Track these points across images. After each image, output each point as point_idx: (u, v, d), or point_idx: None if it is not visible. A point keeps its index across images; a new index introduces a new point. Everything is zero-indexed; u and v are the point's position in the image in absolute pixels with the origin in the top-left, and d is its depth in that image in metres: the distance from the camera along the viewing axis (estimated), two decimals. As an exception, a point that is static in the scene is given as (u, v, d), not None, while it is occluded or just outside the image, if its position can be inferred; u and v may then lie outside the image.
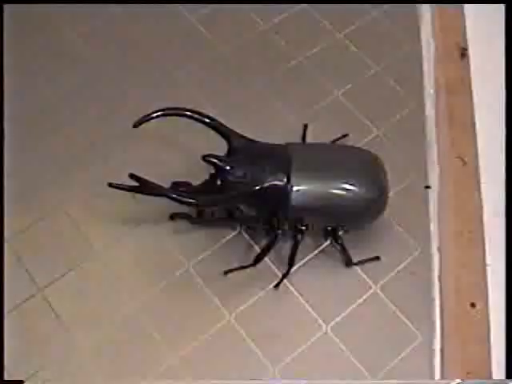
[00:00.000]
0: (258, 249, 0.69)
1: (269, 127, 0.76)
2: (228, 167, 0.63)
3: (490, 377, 0.63)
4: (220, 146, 0.66)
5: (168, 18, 0.86)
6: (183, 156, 0.75)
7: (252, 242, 0.70)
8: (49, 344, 0.64)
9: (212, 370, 0.64)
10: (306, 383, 0.64)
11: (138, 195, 0.66)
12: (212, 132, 0.67)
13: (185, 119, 0.68)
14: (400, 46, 0.85)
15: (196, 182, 0.68)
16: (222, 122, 0.77)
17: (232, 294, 0.67)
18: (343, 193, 0.64)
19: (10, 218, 0.70)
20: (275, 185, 0.63)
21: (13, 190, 0.72)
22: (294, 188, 0.63)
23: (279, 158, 0.64)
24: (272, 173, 0.63)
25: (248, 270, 0.68)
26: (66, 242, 0.70)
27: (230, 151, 0.65)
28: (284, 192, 0.63)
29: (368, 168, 0.66)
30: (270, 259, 0.69)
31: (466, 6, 0.87)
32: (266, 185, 0.62)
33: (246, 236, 0.70)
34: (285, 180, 0.63)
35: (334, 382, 0.64)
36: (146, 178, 0.73)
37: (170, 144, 0.76)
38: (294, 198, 0.63)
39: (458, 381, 0.63)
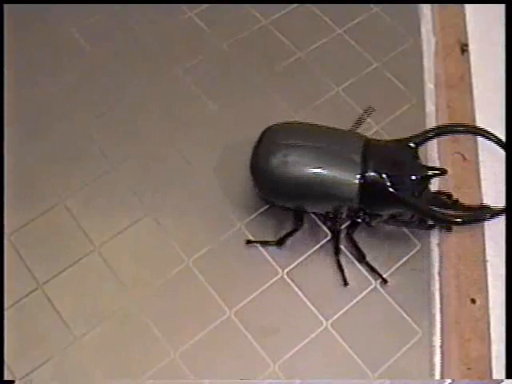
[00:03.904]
0: (258, 244, 0.69)
1: (269, 123, 0.76)
2: None
3: (490, 372, 0.63)
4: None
5: (168, 14, 0.86)
6: (181, 153, 0.75)
7: (252, 238, 0.70)
8: (48, 339, 0.64)
9: (212, 365, 0.64)
10: (300, 383, 0.64)
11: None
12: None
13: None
14: (400, 41, 0.84)
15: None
16: (222, 117, 0.78)
17: (232, 289, 0.67)
18: None
19: (10, 213, 0.70)
20: None
21: (13, 186, 0.72)
22: None
23: None
24: None
25: (248, 266, 0.68)
26: (65, 238, 0.70)
27: None
28: None
29: None
30: (269, 255, 0.69)
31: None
32: None
33: (245, 232, 0.70)
34: None
35: (329, 382, 0.64)
36: (147, 172, 0.74)
37: (167, 140, 0.76)
38: None
39: (449, 381, 0.63)
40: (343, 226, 0.69)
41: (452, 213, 0.67)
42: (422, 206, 0.65)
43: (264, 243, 0.69)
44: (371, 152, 0.65)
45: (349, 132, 0.70)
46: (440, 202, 0.68)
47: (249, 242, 0.69)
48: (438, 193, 0.70)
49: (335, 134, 0.68)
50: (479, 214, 0.68)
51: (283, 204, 0.69)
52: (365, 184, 0.64)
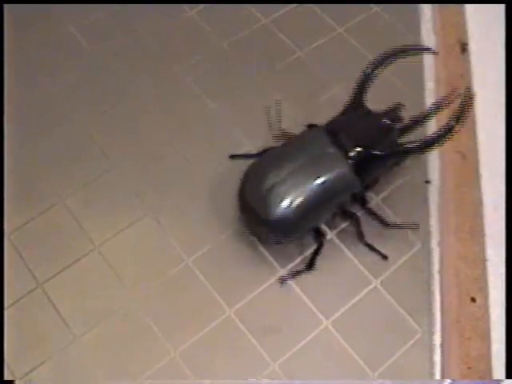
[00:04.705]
0: (257, 243, 0.69)
1: (267, 121, 0.76)
2: None
3: (490, 371, 0.63)
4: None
5: (168, 13, 0.86)
6: (181, 153, 0.75)
7: (251, 237, 0.70)
8: (48, 339, 0.64)
9: (212, 364, 0.64)
10: (300, 383, 0.64)
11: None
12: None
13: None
14: (400, 40, 0.84)
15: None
16: (223, 115, 0.78)
17: (232, 289, 0.67)
18: None
19: (10, 213, 0.70)
20: None
21: (13, 186, 0.72)
22: None
23: None
24: None
25: (248, 266, 0.68)
26: (65, 237, 0.70)
27: None
28: None
29: None
30: (270, 254, 0.69)
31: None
32: None
33: (246, 231, 0.70)
34: None
35: (329, 382, 0.64)
36: (147, 172, 0.74)
37: (167, 140, 0.76)
38: None
39: (449, 381, 0.63)
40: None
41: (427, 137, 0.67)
42: (410, 148, 0.66)
43: (296, 273, 0.68)
44: (337, 135, 0.66)
45: (306, 132, 0.69)
46: (405, 130, 0.68)
47: (282, 280, 0.68)
48: (391, 119, 0.68)
49: (299, 143, 0.68)
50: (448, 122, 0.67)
51: (305, 233, 0.68)
52: (354, 164, 0.65)
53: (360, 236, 0.69)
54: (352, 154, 0.65)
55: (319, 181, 0.64)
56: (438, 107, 0.69)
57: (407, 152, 0.67)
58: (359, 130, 0.67)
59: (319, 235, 0.68)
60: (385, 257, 0.69)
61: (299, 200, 0.64)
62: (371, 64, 0.69)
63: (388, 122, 0.67)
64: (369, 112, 0.68)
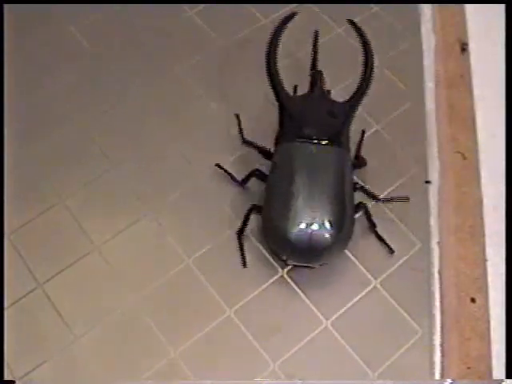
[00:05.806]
0: (257, 243, 0.69)
1: (269, 121, 0.76)
2: None
3: (490, 372, 0.63)
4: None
5: (168, 13, 0.86)
6: (182, 153, 0.75)
7: (252, 237, 0.70)
8: (48, 339, 0.64)
9: (212, 365, 0.64)
10: (301, 383, 0.64)
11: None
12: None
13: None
14: (400, 40, 0.84)
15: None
16: (223, 115, 0.78)
17: (232, 289, 0.67)
18: None
19: (10, 213, 0.70)
20: None
21: (13, 186, 0.72)
22: None
23: None
24: None
25: (248, 264, 0.68)
26: (65, 238, 0.70)
27: None
28: None
29: None
30: (269, 254, 0.69)
31: (467, 3, 0.88)
32: None
33: (246, 231, 0.70)
34: None
35: (329, 383, 0.64)
36: (147, 172, 0.74)
37: (168, 140, 0.76)
38: None
39: (450, 381, 0.63)
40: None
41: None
42: (357, 97, 0.69)
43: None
44: (304, 133, 0.66)
45: (281, 151, 0.68)
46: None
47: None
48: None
49: (288, 165, 0.66)
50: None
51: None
52: (337, 143, 0.66)
53: (372, 226, 0.70)
54: (328, 137, 0.66)
55: (333, 181, 0.65)
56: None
57: (358, 101, 0.69)
58: (314, 115, 0.68)
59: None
60: (392, 251, 0.69)
61: (336, 211, 0.64)
62: (268, 48, 0.71)
63: (323, 92, 0.69)
64: (303, 96, 0.70)
